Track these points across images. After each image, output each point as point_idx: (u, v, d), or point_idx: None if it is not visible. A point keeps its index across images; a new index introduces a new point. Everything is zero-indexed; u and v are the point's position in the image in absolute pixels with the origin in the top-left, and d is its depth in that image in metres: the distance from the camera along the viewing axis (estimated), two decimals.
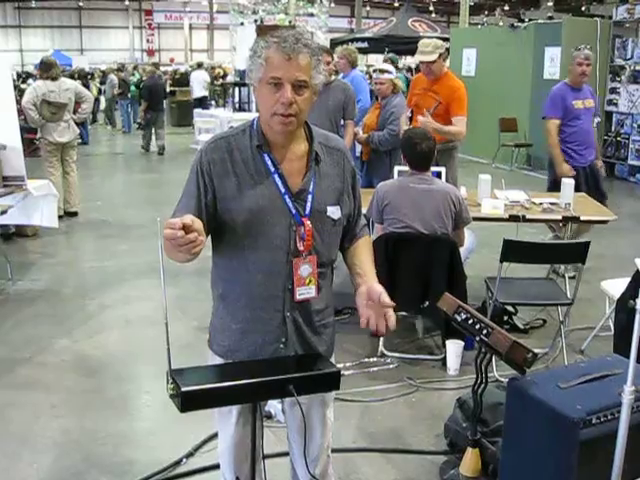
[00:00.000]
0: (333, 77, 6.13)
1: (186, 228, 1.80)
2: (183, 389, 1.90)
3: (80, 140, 11.57)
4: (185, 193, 2.15)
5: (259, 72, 2.04)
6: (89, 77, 22.30)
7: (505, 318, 5.09)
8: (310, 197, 2.13)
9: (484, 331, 2.92)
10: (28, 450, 3.55)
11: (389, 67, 6.64)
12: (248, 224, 2.09)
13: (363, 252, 2.34)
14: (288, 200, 2.11)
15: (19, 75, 21.33)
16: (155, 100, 14.63)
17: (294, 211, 2.11)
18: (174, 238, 1.79)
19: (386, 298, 2.09)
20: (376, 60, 28.99)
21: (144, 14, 44.30)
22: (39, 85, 8.32)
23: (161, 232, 1.84)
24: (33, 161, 9.51)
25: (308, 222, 2.11)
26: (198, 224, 1.85)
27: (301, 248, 2.12)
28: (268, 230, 2.10)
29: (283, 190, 2.11)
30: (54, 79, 8.25)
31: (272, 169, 2.11)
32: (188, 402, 1.92)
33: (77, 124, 8.86)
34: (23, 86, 14.64)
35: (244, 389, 2.01)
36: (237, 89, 16.34)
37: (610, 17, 12.46)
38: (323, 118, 5.57)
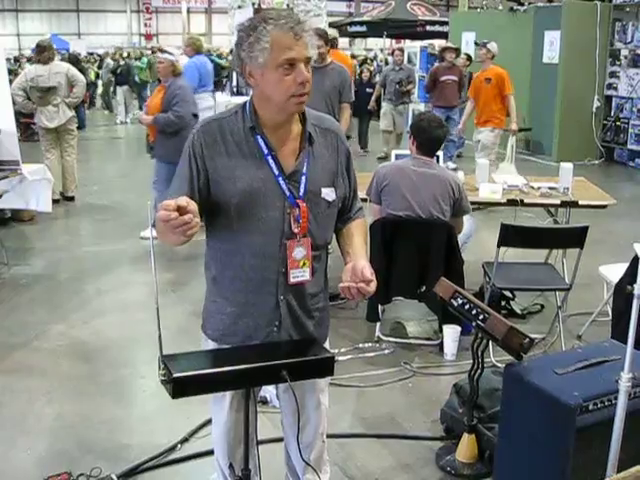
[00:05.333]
0: (329, 59, 6.09)
1: (181, 209, 1.77)
2: (175, 375, 1.88)
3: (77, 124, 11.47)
4: (178, 176, 2.12)
5: (263, 57, 1.96)
6: (84, 61, 22.10)
7: (503, 303, 5.08)
8: (304, 178, 2.10)
9: (481, 316, 2.90)
10: (22, 435, 3.53)
11: (172, 50, 7.06)
12: (241, 206, 2.06)
13: (356, 233, 2.29)
14: (282, 182, 2.07)
15: (16, 59, 21.16)
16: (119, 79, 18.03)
17: (288, 193, 2.08)
18: (168, 220, 1.76)
19: (367, 272, 2.03)
20: (375, 44, 28.79)
21: None
22: (30, 70, 8.28)
23: (151, 216, 1.80)
24: (31, 145, 9.48)
25: (303, 204, 2.08)
26: (193, 206, 1.82)
27: (296, 230, 2.09)
28: (262, 212, 2.07)
29: (277, 172, 2.07)
30: (45, 63, 8.17)
31: (265, 151, 2.07)
32: (180, 388, 1.90)
33: (73, 108, 8.78)
34: (20, 71, 14.53)
35: (237, 375, 1.99)
36: (234, 73, 16.25)
37: (610, 0, 12.37)
38: (319, 101, 5.53)
